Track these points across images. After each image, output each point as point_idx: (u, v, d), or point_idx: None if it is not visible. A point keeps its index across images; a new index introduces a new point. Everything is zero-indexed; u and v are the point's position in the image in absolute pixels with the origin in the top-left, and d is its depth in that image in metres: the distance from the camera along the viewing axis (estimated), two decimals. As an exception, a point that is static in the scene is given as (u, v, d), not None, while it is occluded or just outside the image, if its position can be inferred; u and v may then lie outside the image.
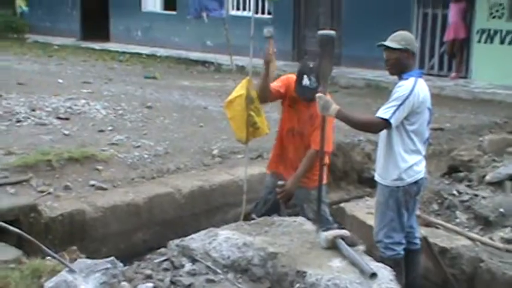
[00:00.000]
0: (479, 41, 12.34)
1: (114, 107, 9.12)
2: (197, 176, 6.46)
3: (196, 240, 3.89)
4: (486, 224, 5.56)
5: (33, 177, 5.78)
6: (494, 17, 12.15)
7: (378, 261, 3.73)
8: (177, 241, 3.95)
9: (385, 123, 4.25)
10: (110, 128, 7.89)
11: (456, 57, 12.72)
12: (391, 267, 3.65)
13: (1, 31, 18.28)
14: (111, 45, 17.77)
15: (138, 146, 7.07)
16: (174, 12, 17.14)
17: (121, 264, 3.48)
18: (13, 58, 14.53)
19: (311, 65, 4.75)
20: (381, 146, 4.52)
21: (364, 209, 5.84)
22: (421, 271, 4.84)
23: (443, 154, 7.17)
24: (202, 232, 3.99)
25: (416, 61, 9.99)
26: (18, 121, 7.88)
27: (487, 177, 6.14)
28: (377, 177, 4.58)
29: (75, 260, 3.79)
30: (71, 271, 3.31)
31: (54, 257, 3.60)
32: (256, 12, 14.69)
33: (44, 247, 3.55)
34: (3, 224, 3.67)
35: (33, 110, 8.48)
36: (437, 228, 5.50)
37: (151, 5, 18.12)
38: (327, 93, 4.14)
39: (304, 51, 14.78)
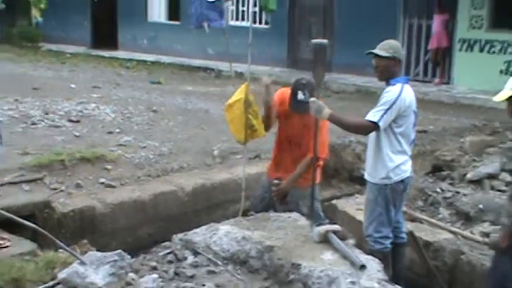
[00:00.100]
0: (460, 50, 12.34)
1: (121, 111, 9.10)
2: (199, 175, 6.45)
3: (198, 235, 3.88)
4: (467, 219, 5.56)
5: (47, 176, 5.77)
6: (474, 28, 12.16)
7: (367, 254, 3.73)
8: (180, 235, 3.94)
9: (374, 126, 4.24)
10: (118, 130, 7.87)
11: (439, 64, 12.72)
12: (379, 259, 3.64)
13: (17, 40, 18.25)
14: (119, 53, 17.72)
15: (144, 147, 7.06)
16: (177, 23, 17.10)
17: (128, 257, 3.47)
18: (28, 65, 14.48)
19: (304, 81, 4.75)
20: (370, 147, 4.51)
21: (354, 206, 5.83)
22: (407, 263, 4.84)
23: (427, 154, 7.16)
24: (204, 227, 3.99)
25: (403, 68, 10.02)
26: (33, 123, 7.86)
27: (468, 176, 6.14)
28: (366, 176, 4.57)
29: (86, 252, 3.78)
30: (82, 263, 3.30)
31: (66, 250, 3.60)
32: (254, 22, 14.65)
33: (57, 241, 3.55)
34: (20, 219, 3.66)
35: (47, 113, 8.46)
36: (421, 223, 5.50)
37: (157, 16, 18.09)
38: (320, 98, 4.14)
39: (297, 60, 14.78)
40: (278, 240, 3.71)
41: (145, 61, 16.46)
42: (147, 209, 5.80)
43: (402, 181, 4.43)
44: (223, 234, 3.80)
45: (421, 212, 5.79)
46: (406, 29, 13.11)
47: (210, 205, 6.25)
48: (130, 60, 16.52)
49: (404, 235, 4.76)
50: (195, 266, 3.60)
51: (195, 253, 3.73)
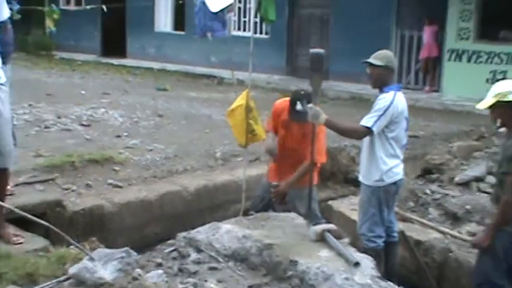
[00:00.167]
0: (449, 59, 12.37)
1: (129, 115, 9.10)
2: (202, 176, 6.44)
3: (201, 233, 3.87)
4: (455, 219, 5.55)
5: (59, 177, 5.77)
6: (462, 39, 12.19)
7: (361, 252, 3.72)
8: (184, 233, 3.93)
9: (368, 131, 4.25)
10: (126, 133, 7.87)
11: (429, 73, 12.76)
12: (372, 257, 3.63)
13: (32, 49, 18.29)
14: (127, 61, 17.74)
15: (151, 150, 7.06)
16: (182, 32, 17.12)
17: (135, 254, 3.46)
18: (42, 72, 14.50)
19: (302, 92, 4.72)
20: (364, 151, 4.51)
21: (349, 206, 5.82)
22: (399, 260, 4.84)
23: (418, 158, 7.15)
24: (206, 226, 3.97)
25: (395, 76, 10.01)
26: (46, 127, 7.86)
27: (456, 179, 6.13)
28: (361, 178, 4.57)
29: (95, 249, 3.77)
30: (91, 259, 3.29)
31: (76, 247, 3.60)
32: (255, 33, 14.65)
33: (68, 238, 3.54)
34: (33, 217, 3.66)
35: (59, 118, 8.46)
36: (412, 223, 5.50)
37: (163, 26, 18.12)
38: (317, 104, 4.13)
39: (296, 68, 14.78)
40: (277, 238, 3.70)
41: (152, 69, 16.48)
42: (153, 208, 5.79)
43: (395, 183, 4.43)
44: (225, 233, 3.79)
45: (412, 213, 5.78)
46: (398, 39, 13.14)
47: (213, 205, 6.24)
48: (138, 68, 16.54)
49: (396, 234, 4.76)
50: (198, 262, 3.59)
51: (198, 250, 3.72)
